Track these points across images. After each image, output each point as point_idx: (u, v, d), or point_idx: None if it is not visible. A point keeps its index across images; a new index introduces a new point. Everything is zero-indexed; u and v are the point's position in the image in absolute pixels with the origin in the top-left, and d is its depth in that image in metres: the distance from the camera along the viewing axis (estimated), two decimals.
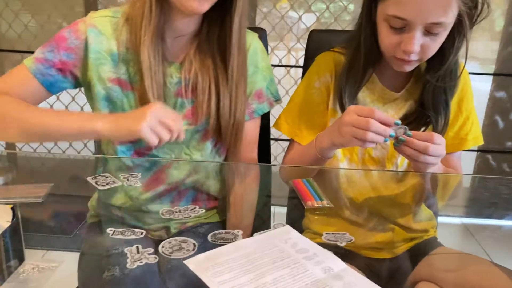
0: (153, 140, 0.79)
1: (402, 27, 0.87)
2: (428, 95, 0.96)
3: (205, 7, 0.85)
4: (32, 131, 0.86)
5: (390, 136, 0.82)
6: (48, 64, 0.90)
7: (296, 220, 1.02)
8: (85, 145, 2.27)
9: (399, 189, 1.01)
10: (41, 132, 0.86)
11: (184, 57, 0.94)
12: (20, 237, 0.74)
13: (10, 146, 2.28)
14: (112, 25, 0.91)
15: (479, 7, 0.88)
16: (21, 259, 0.67)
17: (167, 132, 0.80)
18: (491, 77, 2.03)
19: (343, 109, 0.97)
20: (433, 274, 0.84)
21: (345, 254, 0.91)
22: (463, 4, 0.85)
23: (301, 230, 1.01)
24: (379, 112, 0.81)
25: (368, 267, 0.90)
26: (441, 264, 0.91)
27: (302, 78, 1.15)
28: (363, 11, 0.95)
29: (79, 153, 2.20)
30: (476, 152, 2.09)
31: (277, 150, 2.00)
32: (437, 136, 0.84)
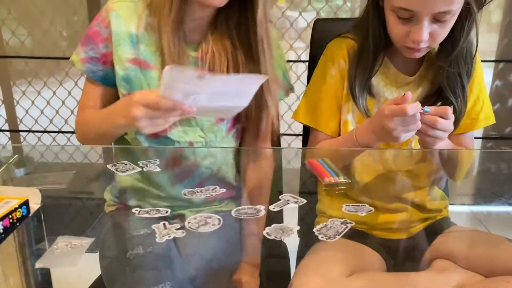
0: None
1: (409, 17, 0.88)
2: (444, 80, 0.98)
3: (225, 0, 0.87)
4: (99, 132, 0.94)
5: None
6: (94, 61, 0.95)
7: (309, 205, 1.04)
8: None
9: (413, 169, 1.03)
10: (103, 132, 0.93)
11: (201, 37, 0.96)
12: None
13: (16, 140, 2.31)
14: (130, 9, 0.94)
15: None
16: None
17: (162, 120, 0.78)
18: (492, 68, 2.06)
19: (354, 97, 0.99)
20: (449, 251, 0.85)
21: (361, 235, 0.93)
22: None
23: (315, 215, 1.03)
24: (409, 108, 0.82)
25: (384, 248, 0.92)
26: (456, 241, 0.92)
27: (308, 70, 1.16)
28: (369, 1, 0.96)
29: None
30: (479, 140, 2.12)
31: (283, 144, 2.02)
32: (448, 112, 0.86)
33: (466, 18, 0.92)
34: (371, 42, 0.97)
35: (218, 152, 1.02)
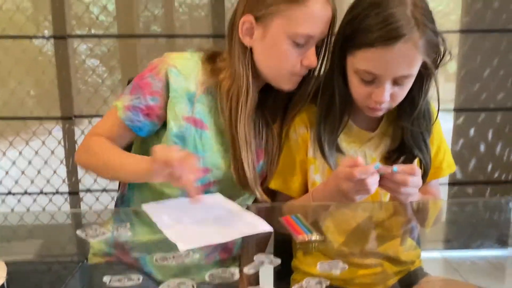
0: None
1: (372, 80, 0.93)
2: (409, 138, 1.02)
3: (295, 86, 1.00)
4: (108, 168, 0.98)
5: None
6: (136, 110, 0.97)
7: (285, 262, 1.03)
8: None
9: (385, 221, 1.05)
10: (112, 171, 0.98)
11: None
12: None
13: None
14: (189, 66, 0.99)
15: (442, 54, 0.95)
16: None
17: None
18: (452, 115, 2.16)
19: (324, 157, 1.02)
20: None
21: None
22: (427, 56, 0.92)
23: (291, 272, 1.03)
24: (357, 173, 0.87)
25: None
26: None
27: None
28: (333, 62, 1.00)
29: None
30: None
31: None
32: (416, 170, 0.90)
33: (424, 79, 0.97)
34: (337, 102, 1.00)
35: None
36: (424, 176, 1.01)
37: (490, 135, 2.15)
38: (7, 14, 2.03)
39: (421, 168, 1.02)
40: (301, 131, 1.06)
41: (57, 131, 2.15)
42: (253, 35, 0.96)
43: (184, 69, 0.98)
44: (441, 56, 0.96)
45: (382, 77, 0.91)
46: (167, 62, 0.98)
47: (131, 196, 1.11)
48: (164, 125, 1.00)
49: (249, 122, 0.99)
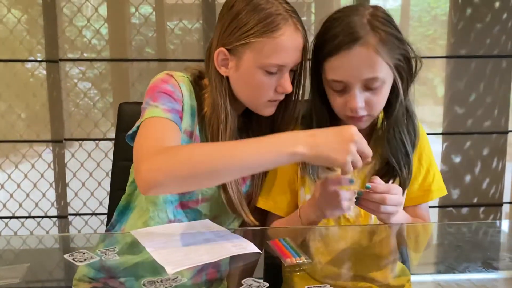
0: (350, 170, 0.84)
1: (343, 89, 0.96)
2: (388, 149, 1.04)
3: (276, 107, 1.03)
4: (231, 166, 0.84)
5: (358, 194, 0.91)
6: (175, 112, 0.97)
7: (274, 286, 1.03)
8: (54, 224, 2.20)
9: (374, 244, 1.05)
10: (239, 166, 0.85)
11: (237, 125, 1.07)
12: None
13: None
14: (189, 85, 1.04)
15: (412, 61, 0.99)
16: None
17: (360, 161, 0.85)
18: (440, 138, 2.19)
19: (310, 177, 1.04)
20: None
21: None
22: (392, 58, 0.95)
23: None
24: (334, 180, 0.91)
25: None
26: None
27: None
28: (311, 78, 1.04)
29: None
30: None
31: None
32: (393, 187, 0.92)
33: (397, 83, 0.99)
34: (314, 120, 1.04)
35: None
36: (403, 188, 1.02)
37: (480, 157, 2.18)
38: (0, 38, 2.05)
39: (401, 182, 1.04)
40: None
41: (47, 154, 2.14)
42: (228, 65, 1.00)
43: (187, 87, 1.03)
44: (412, 64, 1.00)
45: (349, 83, 0.95)
46: (175, 77, 1.02)
47: (118, 223, 1.12)
48: None
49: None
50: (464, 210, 2.21)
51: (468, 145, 2.16)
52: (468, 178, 2.19)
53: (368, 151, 0.86)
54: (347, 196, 0.91)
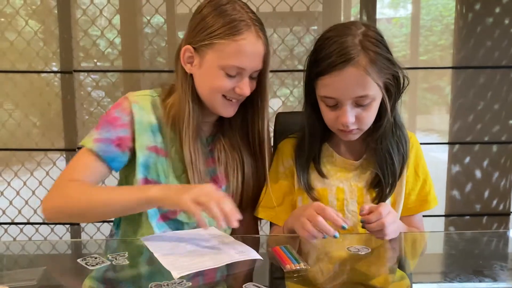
0: (194, 211, 0.88)
1: (335, 104, 1.01)
2: (376, 158, 1.09)
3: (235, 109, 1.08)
4: (93, 207, 1.00)
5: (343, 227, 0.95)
6: (107, 142, 1.04)
7: None
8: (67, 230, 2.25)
9: (373, 252, 1.07)
10: (100, 208, 1.00)
11: (209, 132, 1.14)
12: None
13: None
14: (149, 102, 1.09)
15: (400, 79, 1.04)
16: None
17: (215, 206, 0.88)
18: (446, 147, 2.20)
19: (305, 189, 1.09)
20: None
21: None
22: (381, 78, 1.00)
23: None
24: (330, 212, 0.94)
25: None
26: None
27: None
28: (305, 95, 1.09)
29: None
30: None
31: None
32: (383, 209, 0.95)
33: (388, 100, 1.04)
34: (307, 133, 1.08)
35: None
36: (386, 196, 1.07)
37: (484, 166, 2.18)
38: (18, 49, 2.12)
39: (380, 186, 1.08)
40: (287, 163, 1.14)
41: (61, 161, 2.20)
42: (193, 63, 1.06)
43: (146, 105, 1.09)
44: (400, 82, 1.04)
45: (341, 100, 1.00)
46: (130, 100, 1.08)
47: (116, 235, 1.18)
48: (134, 157, 1.08)
49: (194, 145, 1.06)
50: (472, 218, 2.21)
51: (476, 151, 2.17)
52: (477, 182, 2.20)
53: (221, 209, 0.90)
54: (315, 234, 0.95)
